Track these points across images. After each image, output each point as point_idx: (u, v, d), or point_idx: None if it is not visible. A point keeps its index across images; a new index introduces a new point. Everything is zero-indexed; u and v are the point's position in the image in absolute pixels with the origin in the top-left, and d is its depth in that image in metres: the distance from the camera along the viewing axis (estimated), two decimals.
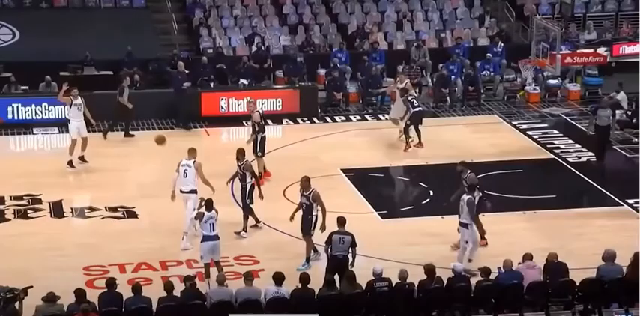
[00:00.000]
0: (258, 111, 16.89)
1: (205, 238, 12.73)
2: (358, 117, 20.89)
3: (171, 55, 22.11)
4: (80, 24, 22.32)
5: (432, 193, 16.16)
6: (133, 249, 13.89)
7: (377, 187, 16.61)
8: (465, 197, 13.12)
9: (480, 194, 13.74)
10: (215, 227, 12.73)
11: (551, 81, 21.92)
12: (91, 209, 15.46)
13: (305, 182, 13.33)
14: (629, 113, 19.75)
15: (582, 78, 22.29)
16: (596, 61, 17.78)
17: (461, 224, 13.09)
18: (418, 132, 17.98)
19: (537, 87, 21.76)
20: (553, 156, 17.36)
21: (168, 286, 11.16)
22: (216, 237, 12.74)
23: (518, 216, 15.13)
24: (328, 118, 20.80)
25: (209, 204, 12.90)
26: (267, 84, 21.77)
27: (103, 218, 15.19)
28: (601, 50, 17.43)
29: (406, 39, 23.62)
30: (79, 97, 17.30)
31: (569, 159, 17.91)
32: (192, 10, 23.75)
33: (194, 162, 14.24)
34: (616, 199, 15.46)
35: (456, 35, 23.45)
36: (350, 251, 12.28)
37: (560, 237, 14.23)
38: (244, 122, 20.16)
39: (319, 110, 20.95)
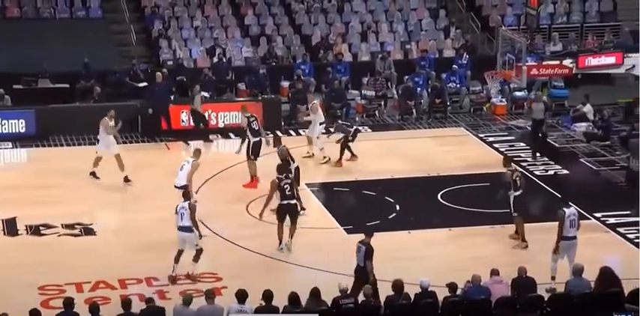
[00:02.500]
0: (247, 117, 17.05)
1: (178, 227, 13.32)
2: (322, 130, 20.97)
3: (129, 67, 22.04)
4: (34, 35, 22.16)
5: (398, 207, 16.25)
6: (90, 267, 13.78)
7: (342, 201, 16.66)
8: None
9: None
10: (185, 218, 13.21)
11: (518, 94, 22.20)
12: (47, 226, 15.31)
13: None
14: (596, 125, 20.05)
15: (548, 90, 22.62)
16: (561, 72, 18.05)
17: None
18: (349, 149, 18.06)
19: (503, 100, 22.03)
20: (520, 170, 17.54)
21: (126, 303, 11.07)
22: (185, 229, 13.23)
23: (486, 230, 15.27)
24: (292, 131, 20.85)
25: (186, 195, 13.44)
26: (228, 97, 21.77)
27: (59, 235, 15.05)
28: (567, 62, 17.69)
29: (371, 50, 23.79)
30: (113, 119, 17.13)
31: (537, 172, 18.13)
32: (152, 20, 23.70)
33: (194, 160, 14.88)
34: (584, 213, 15.67)
35: (422, 46, 23.69)
36: (365, 263, 12.29)
37: (528, 251, 14.38)
38: (207, 136, 20.17)
39: (283, 123, 21.00)
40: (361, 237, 12.62)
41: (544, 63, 18.06)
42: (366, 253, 12.33)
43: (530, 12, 20.03)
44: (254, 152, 16.80)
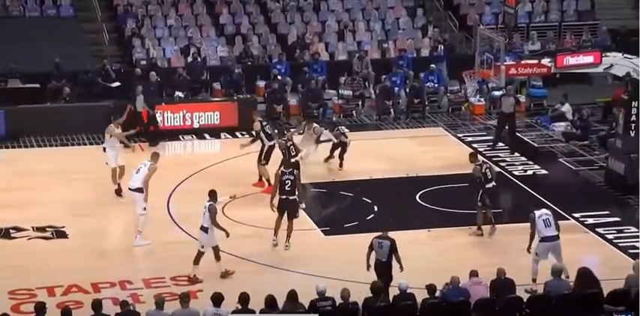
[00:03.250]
0: (259, 121, 16.92)
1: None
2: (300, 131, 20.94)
3: (101, 67, 21.93)
4: (3, 34, 21.99)
5: (376, 208, 16.28)
6: (62, 271, 13.68)
7: (319, 202, 16.67)
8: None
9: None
10: (204, 218, 13.32)
11: (496, 93, 22.28)
12: (17, 229, 15.18)
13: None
14: (574, 125, 20.19)
15: (527, 89, 22.76)
16: (540, 71, 18.13)
17: None
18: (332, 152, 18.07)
19: (482, 99, 22.13)
20: (499, 170, 17.64)
21: (96, 305, 10.97)
22: (201, 229, 13.36)
23: (464, 231, 15.33)
24: (268, 130, 20.82)
25: (211, 194, 13.45)
26: (203, 97, 21.72)
27: (30, 238, 14.94)
28: (545, 61, 17.78)
29: (348, 49, 23.82)
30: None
31: (515, 173, 18.23)
32: (124, 19, 23.59)
33: (151, 164, 14.62)
34: (563, 213, 15.78)
35: (399, 46, 23.74)
36: (392, 256, 12.58)
37: (507, 252, 14.45)
38: (181, 136, 20.10)
39: None
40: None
41: (522, 62, 18.14)
42: (392, 247, 12.56)
43: (508, 11, 20.14)
44: (266, 157, 16.64)
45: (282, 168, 14.75)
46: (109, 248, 14.59)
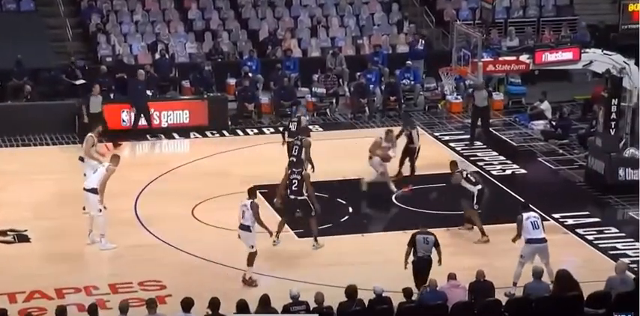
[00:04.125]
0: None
1: (239, 225, 13.41)
2: (272, 130, 20.93)
3: (66, 64, 21.75)
4: None
5: (350, 210, 16.29)
6: (24, 276, 13.56)
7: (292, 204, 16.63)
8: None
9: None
10: (246, 216, 13.33)
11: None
12: None
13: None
14: (554, 123, 20.33)
15: (505, 87, 22.88)
16: (518, 68, 18.24)
17: None
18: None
19: (459, 97, 22.22)
20: (477, 169, 17.71)
21: (60, 311, 10.86)
22: (243, 227, 13.38)
23: (442, 232, 15.34)
24: (239, 131, 20.77)
25: (251, 192, 13.54)
26: (172, 95, 21.62)
27: None
28: (523, 57, 17.89)
29: (321, 46, 23.81)
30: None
31: (494, 172, 18.32)
32: (88, 14, 23.41)
33: (110, 165, 14.49)
34: (542, 214, 15.88)
35: (374, 42, 23.78)
36: (434, 251, 12.90)
37: (486, 254, 14.51)
38: (148, 136, 20.01)
39: (229, 122, 20.91)
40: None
41: (500, 58, 18.26)
42: (436, 241, 12.94)
43: (486, 6, 20.25)
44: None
45: (292, 168, 14.83)
46: (73, 252, 14.47)
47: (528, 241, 13.32)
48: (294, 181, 14.48)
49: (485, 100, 19.47)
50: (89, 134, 15.90)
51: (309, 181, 14.59)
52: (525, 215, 13.46)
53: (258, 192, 13.93)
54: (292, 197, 14.54)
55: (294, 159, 15.60)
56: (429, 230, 13.17)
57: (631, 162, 17.12)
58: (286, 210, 14.70)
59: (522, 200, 14.71)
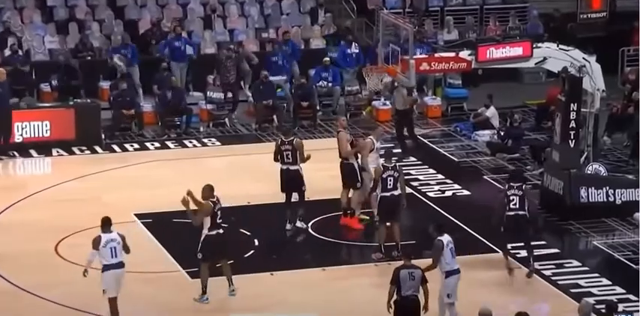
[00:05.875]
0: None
1: (107, 267, 13.32)
2: (157, 145, 20.83)
3: None
4: None
5: (257, 243, 16.32)
6: None
7: (184, 237, 16.57)
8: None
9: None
10: (118, 252, 13.40)
11: None
12: None
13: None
14: (502, 133, 20.73)
15: (443, 89, 23.28)
16: (458, 67, 18.53)
17: None
18: None
19: (387, 102, 22.51)
20: (410, 191, 17.95)
21: None
22: (120, 265, 13.39)
23: (369, 268, 15.52)
24: (115, 146, 20.63)
25: (106, 223, 13.35)
26: (28, 102, 21.36)
27: None
28: (464, 54, 18.21)
29: (217, 40, 23.87)
30: None
31: (430, 194, 18.57)
32: None
33: None
34: (489, 243, 16.17)
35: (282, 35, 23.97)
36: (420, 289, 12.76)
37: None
38: None
39: (103, 136, 20.76)
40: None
41: (436, 55, 18.55)
42: (423, 277, 12.90)
43: None
44: None
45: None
46: None
47: (450, 273, 13.40)
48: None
49: (405, 102, 19.77)
50: None
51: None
52: (444, 239, 13.46)
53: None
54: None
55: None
56: (413, 263, 13.04)
57: (594, 180, 17.57)
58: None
59: (438, 221, 14.79)
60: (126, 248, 13.53)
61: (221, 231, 14.27)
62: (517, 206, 14.97)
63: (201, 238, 14.20)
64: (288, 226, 16.77)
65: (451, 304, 13.33)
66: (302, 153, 16.59)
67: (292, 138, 16.76)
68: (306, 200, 16.80)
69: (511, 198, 15.01)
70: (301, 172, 16.66)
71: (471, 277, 14.77)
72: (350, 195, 16.91)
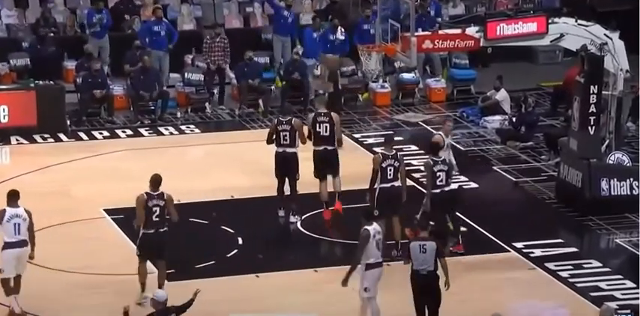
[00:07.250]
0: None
1: (8, 245, 13.47)
2: (128, 132, 20.83)
3: None
4: None
5: (240, 241, 16.36)
6: None
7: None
8: None
9: None
10: (22, 229, 13.56)
11: (406, 76, 22.76)
12: None
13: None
14: (514, 119, 20.77)
15: (448, 70, 23.30)
16: (465, 45, 18.56)
17: None
18: None
19: (387, 85, 22.53)
20: (412, 183, 17.98)
21: None
22: (23, 243, 13.56)
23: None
24: (82, 134, 20.63)
25: (13, 196, 13.59)
26: None
27: None
28: (471, 30, 18.23)
29: (196, 15, 23.90)
30: None
31: None
32: None
33: None
34: (499, 242, 16.21)
35: (268, 11, 23.96)
36: (437, 263, 12.82)
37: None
38: None
39: (68, 122, 20.75)
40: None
41: (441, 32, 18.58)
42: (438, 250, 12.95)
43: None
44: None
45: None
46: None
47: (371, 266, 13.31)
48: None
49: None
50: None
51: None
52: (373, 230, 13.30)
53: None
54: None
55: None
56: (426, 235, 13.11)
57: (617, 171, 17.62)
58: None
59: (371, 207, 14.92)
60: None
61: (162, 230, 14.29)
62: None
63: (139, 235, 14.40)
64: (281, 213, 16.96)
65: (370, 298, 13.36)
66: (302, 134, 16.76)
67: (290, 117, 16.89)
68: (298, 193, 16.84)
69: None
70: (298, 156, 16.80)
71: (482, 278, 14.86)
72: (330, 185, 16.99)
